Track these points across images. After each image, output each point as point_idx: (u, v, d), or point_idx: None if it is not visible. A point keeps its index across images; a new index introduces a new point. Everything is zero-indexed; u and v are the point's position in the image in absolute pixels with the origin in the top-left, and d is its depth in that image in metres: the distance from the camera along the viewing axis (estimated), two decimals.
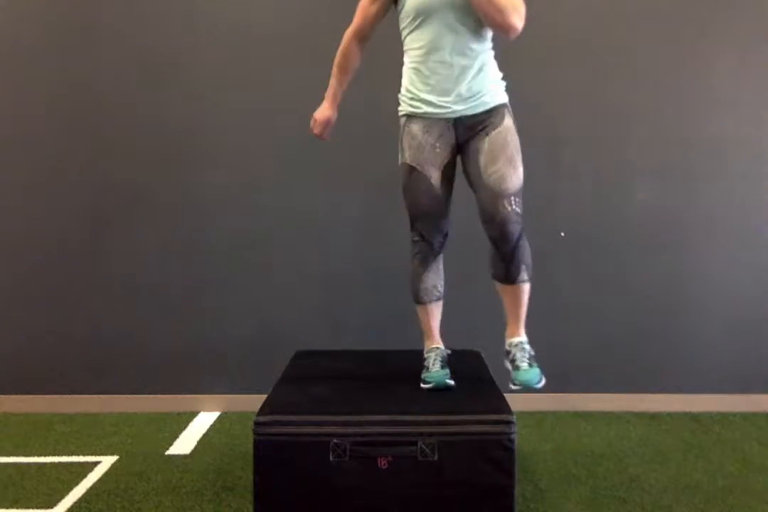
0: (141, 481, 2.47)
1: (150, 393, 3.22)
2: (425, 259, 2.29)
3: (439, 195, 2.20)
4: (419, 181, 2.18)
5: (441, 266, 2.33)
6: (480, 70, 2.12)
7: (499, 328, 3.03)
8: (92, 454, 2.73)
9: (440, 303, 2.39)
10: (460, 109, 2.13)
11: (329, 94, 2.37)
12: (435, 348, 2.39)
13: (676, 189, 3.13)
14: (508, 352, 2.24)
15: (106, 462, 2.65)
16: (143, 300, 3.20)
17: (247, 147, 3.14)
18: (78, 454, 2.73)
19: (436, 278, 2.32)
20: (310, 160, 3.13)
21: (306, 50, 3.07)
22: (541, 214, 3.02)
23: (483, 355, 2.63)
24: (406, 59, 2.22)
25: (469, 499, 1.95)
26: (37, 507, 2.28)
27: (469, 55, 2.10)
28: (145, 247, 3.18)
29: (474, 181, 2.15)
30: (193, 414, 3.18)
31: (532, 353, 2.22)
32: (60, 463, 2.64)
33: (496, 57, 2.20)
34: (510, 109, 2.19)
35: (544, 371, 2.16)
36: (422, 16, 2.09)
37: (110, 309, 3.20)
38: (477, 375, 2.37)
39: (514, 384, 2.15)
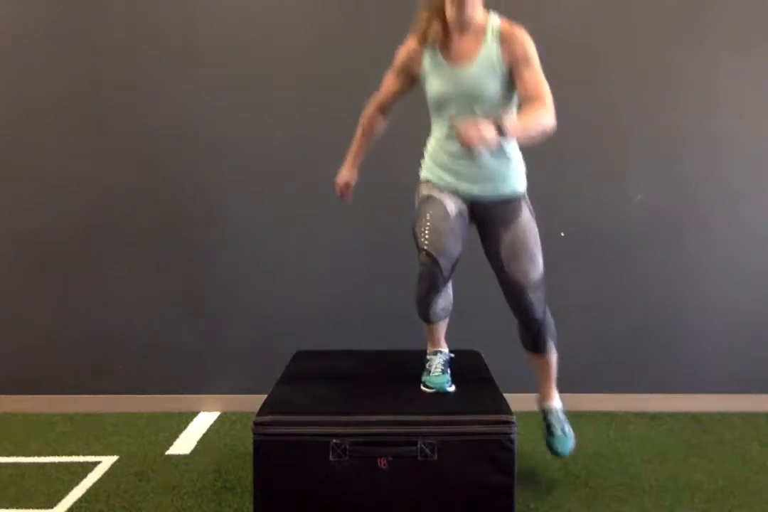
0: (141, 481, 2.47)
1: (150, 393, 3.22)
2: (435, 285, 2.15)
3: (452, 221, 2.14)
4: (435, 206, 2.16)
5: (450, 288, 2.29)
6: (501, 157, 2.14)
7: (499, 328, 3.03)
8: (92, 454, 2.73)
9: (447, 319, 2.40)
10: (477, 193, 2.18)
11: (350, 156, 2.43)
12: (438, 351, 2.38)
13: (675, 190, 3.12)
14: (544, 416, 2.41)
15: (106, 462, 2.65)
16: (143, 301, 3.20)
17: (247, 147, 3.14)
18: (78, 454, 2.73)
19: (444, 301, 2.28)
20: (309, 160, 3.13)
21: (307, 52, 3.07)
22: (541, 214, 3.01)
23: (483, 355, 2.62)
24: (433, 130, 2.25)
25: (469, 499, 1.95)
26: (37, 507, 2.29)
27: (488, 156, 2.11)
28: (144, 247, 3.18)
29: (496, 270, 2.21)
30: (193, 414, 3.18)
31: (565, 419, 2.41)
32: (60, 463, 2.64)
33: None
34: (527, 198, 2.22)
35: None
36: (443, 104, 2.13)
37: (110, 310, 3.20)
38: (477, 375, 2.37)
39: (550, 449, 2.36)
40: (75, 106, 3.13)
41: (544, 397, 2.41)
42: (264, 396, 2.14)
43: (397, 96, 2.30)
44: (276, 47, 3.09)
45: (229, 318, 3.20)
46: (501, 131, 1.85)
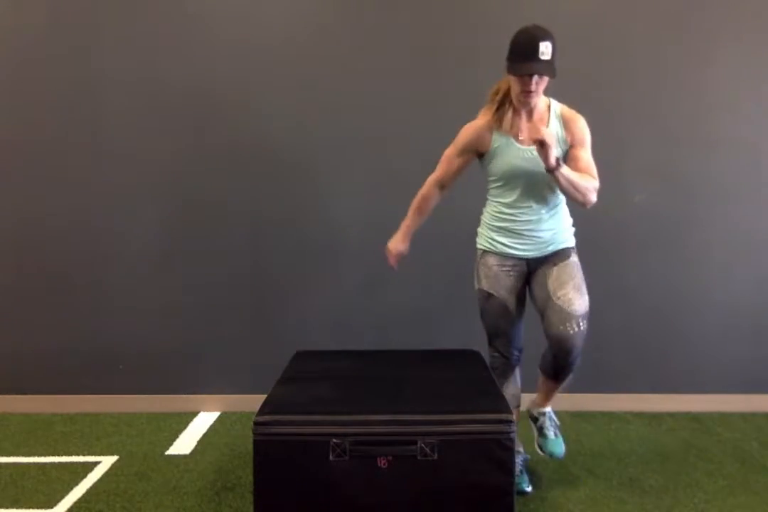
0: (141, 481, 2.47)
1: (150, 393, 3.22)
2: (504, 373, 2.39)
3: (514, 317, 2.35)
4: (496, 306, 2.34)
5: (518, 376, 2.44)
6: (555, 220, 2.31)
7: None
8: (92, 454, 2.73)
9: (518, 409, 2.45)
10: (533, 254, 2.31)
11: (404, 228, 2.49)
12: (517, 451, 2.34)
13: (675, 190, 3.12)
14: (535, 419, 2.45)
15: (106, 462, 2.65)
16: (143, 301, 3.20)
17: (244, 147, 3.14)
18: (78, 454, 2.73)
19: (514, 388, 2.42)
20: (310, 160, 3.13)
21: (309, 54, 3.08)
22: None
23: (483, 355, 2.62)
24: (489, 200, 2.37)
25: (469, 499, 1.95)
26: (37, 507, 2.29)
27: (547, 209, 2.28)
28: (144, 248, 3.18)
29: (542, 303, 2.28)
30: (193, 414, 3.18)
31: (558, 423, 2.44)
32: (60, 463, 2.65)
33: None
34: (576, 250, 2.36)
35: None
36: (509, 180, 2.26)
37: (110, 310, 3.20)
38: (477, 375, 2.36)
39: (542, 451, 2.39)
40: (74, 107, 3.13)
41: (539, 403, 2.45)
42: (264, 396, 2.14)
43: (459, 172, 2.38)
44: (276, 47, 3.09)
45: (229, 318, 3.20)
46: (558, 162, 2.08)
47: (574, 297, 2.21)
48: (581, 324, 2.19)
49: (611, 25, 3.07)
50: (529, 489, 2.37)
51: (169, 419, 3.12)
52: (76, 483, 2.46)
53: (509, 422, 1.96)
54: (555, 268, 2.28)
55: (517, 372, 2.43)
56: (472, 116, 2.32)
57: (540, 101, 2.22)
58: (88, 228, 3.17)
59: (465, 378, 2.32)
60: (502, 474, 1.94)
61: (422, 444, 1.93)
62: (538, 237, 2.29)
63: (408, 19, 3.06)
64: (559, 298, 2.21)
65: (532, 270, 2.35)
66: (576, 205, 2.24)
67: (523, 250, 2.31)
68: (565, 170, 2.10)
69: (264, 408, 2.03)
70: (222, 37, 3.09)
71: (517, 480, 2.21)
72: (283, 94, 3.10)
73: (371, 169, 3.14)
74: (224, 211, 3.17)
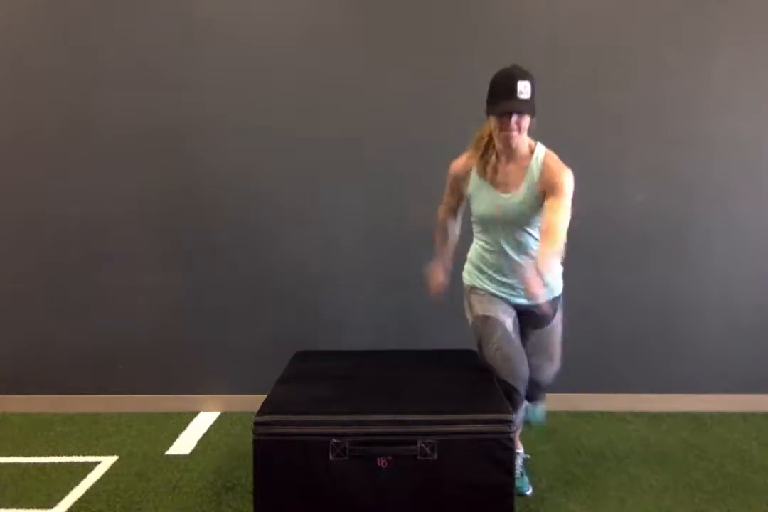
0: (141, 481, 2.47)
1: (150, 393, 3.22)
2: (514, 403, 2.25)
3: (515, 339, 2.27)
4: (496, 328, 2.25)
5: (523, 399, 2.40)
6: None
7: None
8: (92, 454, 2.73)
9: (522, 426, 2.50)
10: (519, 301, 2.30)
11: (438, 260, 2.47)
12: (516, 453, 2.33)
13: (674, 190, 3.12)
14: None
15: (106, 462, 2.65)
16: (143, 301, 3.20)
17: (247, 147, 3.14)
18: (78, 454, 2.73)
19: (521, 413, 2.40)
20: (310, 159, 3.13)
21: (309, 55, 3.08)
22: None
23: None
24: (475, 239, 2.37)
25: (468, 499, 1.95)
26: (37, 507, 2.29)
27: (530, 255, 2.23)
28: (144, 248, 3.18)
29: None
30: (193, 414, 3.18)
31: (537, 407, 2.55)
32: (60, 463, 2.65)
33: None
34: (561, 299, 2.39)
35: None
36: (484, 223, 2.28)
37: (110, 310, 3.20)
38: (476, 375, 2.36)
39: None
40: (74, 108, 3.12)
41: None
42: (264, 396, 2.14)
43: (458, 204, 2.40)
44: (275, 47, 3.09)
45: (229, 318, 3.20)
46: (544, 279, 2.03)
47: (545, 367, 2.36)
48: (549, 378, 2.42)
49: (611, 25, 3.07)
50: (529, 492, 2.37)
51: (169, 419, 3.12)
52: (76, 483, 2.46)
53: (509, 422, 1.96)
54: (535, 332, 2.34)
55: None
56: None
57: (523, 144, 2.16)
58: (88, 228, 3.17)
59: (465, 378, 2.32)
60: (502, 474, 1.95)
61: (422, 444, 1.93)
62: (516, 282, 2.24)
63: (408, 18, 3.06)
64: (532, 365, 2.28)
65: (518, 312, 2.33)
66: None
67: (509, 297, 2.30)
68: (546, 268, 1.98)
69: (264, 408, 2.04)
70: (222, 36, 3.09)
71: (517, 483, 2.21)
72: (283, 94, 3.10)
73: (371, 169, 3.13)
74: (224, 211, 3.16)
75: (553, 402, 3.08)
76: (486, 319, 2.27)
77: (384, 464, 1.93)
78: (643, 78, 3.07)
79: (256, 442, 1.96)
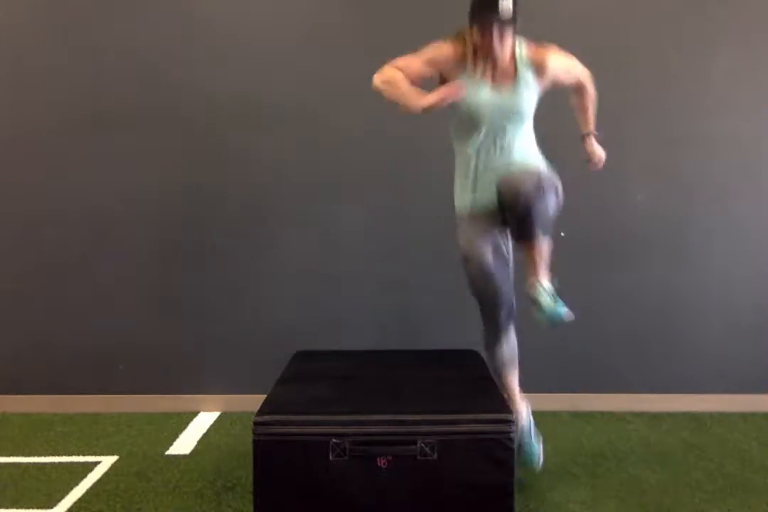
0: (141, 481, 2.47)
1: (150, 393, 3.22)
2: (497, 333, 2.32)
3: (501, 271, 2.27)
4: (478, 267, 2.26)
5: (513, 335, 2.37)
6: (525, 156, 2.28)
7: None
8: (92, 454, 2.73)
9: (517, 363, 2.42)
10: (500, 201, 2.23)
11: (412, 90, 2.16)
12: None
13: (674, 190, 3.12)
14: (532, 293, 2.26)
15: (106, 462, 2.65)
16: (143, 301, 3.20)
17: (247, 146, 3.14)
18: (78, 454, 2.73)
19: (508, 349, 2.37)
20: (311, 158, 3.13)
21: (309, 55, 3.08)
22: None
23: (483, 355, 2.62)
24: (458, 152, 2.33)
25: (468, 499, 1.95)
26: (37, 507, 2.28)
27: (516, 155, 2.25)
28: (144, 248, 3.18)
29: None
30: (193, 414, 3.18)
31: (552, 291, 2.25)
32: (60, 463, 2.64)
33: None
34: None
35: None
36: (475, 119, 2.22)
37: (110, 310, 3.20)
38: (477, 375, 2.37)
39: (543, 322, 2.21)
40: (74, 108, 3.13)
41: (532, 275, 2.26)
42: (264, 396, 2.14)
43: (423, 77, 2.24)
44: (275, 47, 3.10)
45: (229, 318, 3.20)
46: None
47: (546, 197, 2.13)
48: (538, 184, 2.12)
49: (611, 25, 3.07)
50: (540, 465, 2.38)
51: (169, 419, 3.12)
52: (76, 483, 2.46)
53: (509, 422, 1.96)
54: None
55: (511, 331, 2.34)
56: None
57: (507, 48, 2.17)
58: (88, 227, 3.17)
59: (465, 378, 2.32)
60: (502, 474, 1.95)
61: (422, 444, 1.93)
62: (503, 161, 2.23)
63: (409, 18, 3.06)
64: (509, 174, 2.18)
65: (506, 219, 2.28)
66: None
67: (493, 202, 2.23)
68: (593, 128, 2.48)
69: (264, 408, 2.04)
70: (223, 36, 3.09)
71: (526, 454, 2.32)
72: (284, 94, 3.10)
73: (372, 169, 3.13)
74: (224, 211, 3.17)
75: (553, 402, 3.10)
76: (466, 260, 2.29)
77: (384, 464, 1.93)
78: (643, 78, 3.07)
79: (256, 442, 1.96)
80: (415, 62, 2.23)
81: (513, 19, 2.11)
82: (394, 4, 3.07)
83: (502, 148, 2.25)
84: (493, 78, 2.21)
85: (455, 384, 2.26)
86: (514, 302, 2.34)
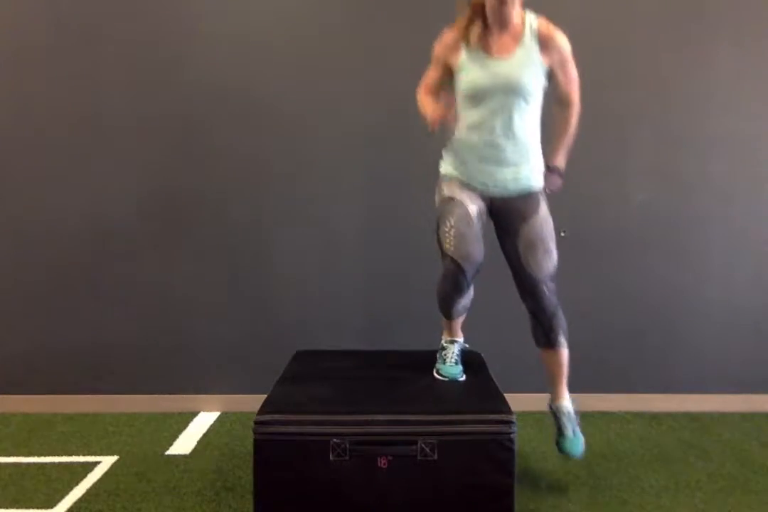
0: (141, 481, 2.47)
1: (150, 393, 3.22)
2: (459, 288, 2.26)
3: (475, 224, 2.21)
4: (457, 209, 2.21)
5: (471, 287, 2.33)
6: (523, 155, 2.24)
7: (500, 329, 3.04)
8: (92, 454, 2.73)
9: (465, 314, 2.47)
10: (496, 191, 2.26)
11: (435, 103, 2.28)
12: (454, 340, 2.46)
13: (674, 190, 3.12)
14: (554, 414, 2.39)
15: (106, 462, 2.65)
16: (143, 301, 3.20)
17: (247, 146, 3.14)
18: (78, 454, 2.73)
19: (465, 300, 2.36)
20: (310, 159, 3.13)
21: (309, 55, 3.08)
22: None
23: (483, 356, 2.62)
24: (458, 128, 2.28)
25: (469, 499, 1.95)
26: (37, 507, 2.28)
27: (512, 137, 2.20)
28: (145, 248, 3.18)
29: (512, 263, 2.28)
30: (193, 414, 3.18)
31: (578, 420, 2.37)
32: (60, 463, 2.64)
33: None
34: (544, 194, 2.31)
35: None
36: (477, 96, 2.19)
37: (110, 310, 3.20)
38: (477, 375, 2.37)
39: (560, 451, 2.33)
40: (74, 107, 3.13)
41: (555, 396, 2.40)
42: (264, 396, 2.14)
43: (440, 82, 2.32)
44: (275, 47, 3.09)
45: (230, 318, 3.20)
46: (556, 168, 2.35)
47: (544, 262, 2.22)
48: (551, 283, 2.25)
49: (612, 25, 3.07)
50: (462, 378, 2.34)
51: (169, 419, 3.12)
52: (76, 483, 2.46)
53: (509, 422, 1.96)
54: (525, 227, 2.22)
55: (471, 284, 2.29)
56: None
57: (515, 15, 2.15)
58: (88, 228, 3.17)
59: (465, 379, 2.32)
60: (502, 474, 1.95)
61: (422, 444, 1.93)
62: (504, 171, 2.23)
63: (409, 19, 3.06)
64: (529, 265, 2.22)
65: (498, 217, 2.29)
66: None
67: (488, 188, 2.25)
68: (562, 162, 2.36)
69: (264, 408, 2.04)
70: (223, 35, 3.09)
71: (450, 369, 2.34)
72: (283, 94, 3.10)
73: (372, 169, 3.14)
74: (224, 211, 3.16)
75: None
76: (450, 200, 2.24)
77: (384, 464, 1.93)
78: (643, 78, 3.08)
79: (256, 442, 1.96)
80: (430, 72, 2.34)
81: None
82: (395, 4, 3.07)
83: (503, 131, 2.19)
84: (494, 48, 2.16)
85: (455, 384, 2.26)
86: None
